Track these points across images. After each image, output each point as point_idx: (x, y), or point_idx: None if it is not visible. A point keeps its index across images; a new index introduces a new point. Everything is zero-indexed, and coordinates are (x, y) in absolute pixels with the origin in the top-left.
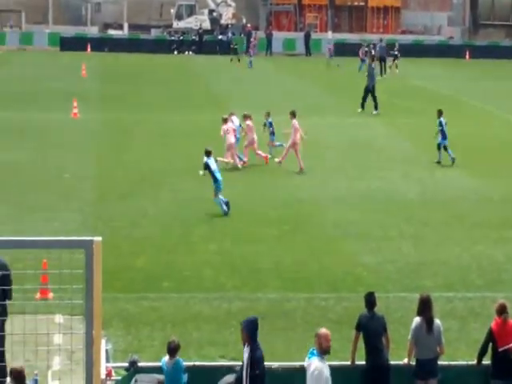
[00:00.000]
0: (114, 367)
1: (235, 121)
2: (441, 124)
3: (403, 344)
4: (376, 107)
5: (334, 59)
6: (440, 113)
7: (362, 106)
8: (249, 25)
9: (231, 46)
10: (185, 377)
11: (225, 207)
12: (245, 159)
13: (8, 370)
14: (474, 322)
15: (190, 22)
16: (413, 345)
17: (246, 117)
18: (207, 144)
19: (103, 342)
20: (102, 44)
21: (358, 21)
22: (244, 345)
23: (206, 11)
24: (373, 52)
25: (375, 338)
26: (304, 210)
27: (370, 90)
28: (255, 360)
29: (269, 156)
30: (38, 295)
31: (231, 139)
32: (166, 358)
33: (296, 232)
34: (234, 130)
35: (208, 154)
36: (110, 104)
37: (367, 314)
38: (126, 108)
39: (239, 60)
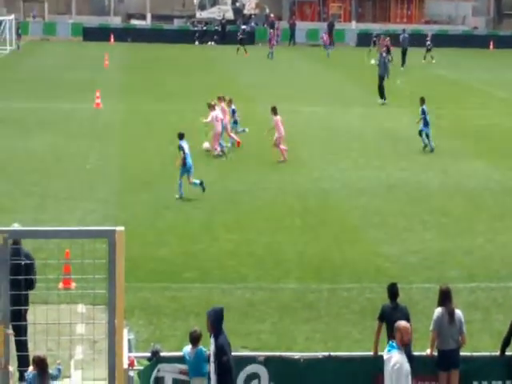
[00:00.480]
0: (136, 357)
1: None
2: (423, 112)
3: (426, 335)
4: (382, 97)
5: (331, 49)
6: (423, 100)
7: (381, 96)
8: (272, 15)
9: (239, 36)
10: (207, 366)
11: (181, 191)
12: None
13: (31, 358)
14: (496, 313)
15: (213, 12)
16: (435, 335)
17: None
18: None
19: (125, 331)
20: (125, 34)
21: (382, 11)
22: (210, 335)
23: (229, 1)
24: (386, 41)
25: None
26: (327, 201)
27: (381, 79)
28: (219, 349)
29: (224, 146)
30: (60, 285)
31: (219, 127)
32: (189, 347)
33: (319, 222)
34: (221, 119)
35: (181, 136)
36: (133, 94)
37: (390, 304)
38: (149, 98)
39: (245, 51)
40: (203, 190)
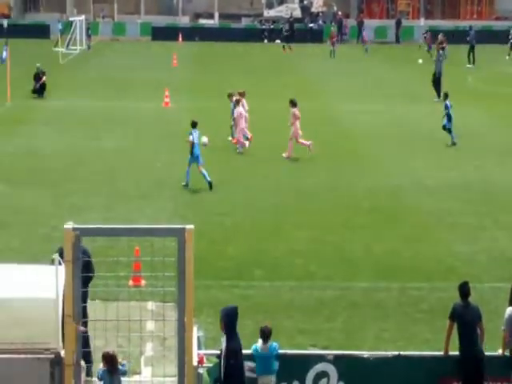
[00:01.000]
0: (205, 354)
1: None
2: (447, 107)
3: (498, 335)
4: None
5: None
6: (446, 96)
7: (438, 95)
8: (340, 12)
9: (283, 33)
10: (276, 364)
11: (188, 179)
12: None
13: (94, 354)
14: None
15: (281, 11)
16: (507, 335)
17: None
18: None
19: (195, 329)
20: (193, 33)
21: (451, 7)
22: (222, 334)
23: None
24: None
25: (470, 328)
26: (397, 199)
27: (437, 77)
28: (230, 350)
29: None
30: (130, 282)
31: (243, 123)
32: (259, 343)
33: (388, 220)
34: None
35: (194, 125)
36: (201, 93)
37: (461, 303)
38: (217, 97)
39: (290, 48)
40: (210, 188)
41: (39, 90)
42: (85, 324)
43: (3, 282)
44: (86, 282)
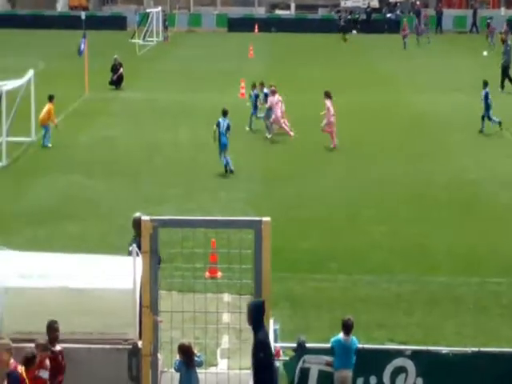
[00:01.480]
0: (282, 347)
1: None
2: (486, 95)
3: None
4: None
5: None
6: (485, 84)
7: (502, 86)
8: (418, 2)
9: (341, 23)
10: (354, 358)
11: (229, 165)
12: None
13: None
14: None
15: (358, 1)
16: None
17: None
18: (372, 124)
19: (271, 322)
20: (269, 24)
21: None
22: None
23: None
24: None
25: None
26: (474, 192)
27: (504, 67)
28: (258, 343)
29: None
30: (207, 274)
31: (278, 112)
32: (340, 335)
33: (467, 214)
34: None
35: (224, 113)
36: (278, 84)
37: None
38: (293, 88)
39: (345, 39)
40: (226, 171)
41: (116, 82)
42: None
43: (82, 273)
44: None
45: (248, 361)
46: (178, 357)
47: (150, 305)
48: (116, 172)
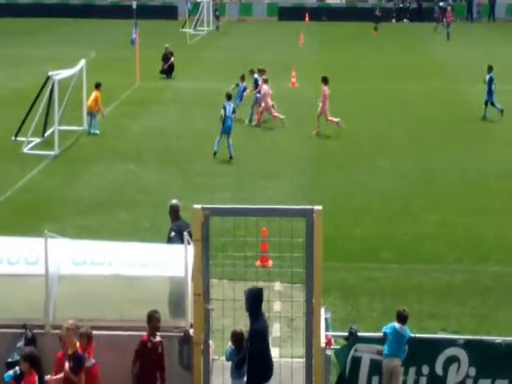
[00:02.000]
0: (333, 336)
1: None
2: (491, 80)
3: None
4: None
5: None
6: (490, 68)
7: None
8: None
9: (376, 13)
10: (405, 348)
11: (230, 151)
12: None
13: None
14: None
15: None
16: None
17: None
18: (424, 113)
19: (322, 310)
20: (320, 13)
21: None
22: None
23: None
24: None
25: None
26: None
27: None
28: (255, 331)
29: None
30: (258, 262)
31: (269, 102)
32: (395, 324)
33: None
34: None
35: (229, 98)
36: (328, 73)
37: None
38: (343, 77)
39: (376, 29)
40: (230, 158)
41: (167, 71)
42: None
43: (134, 261)
44: None
45: (300, 349)
46: (229, 344)
47: (201, 293)
48: (167, 160)
